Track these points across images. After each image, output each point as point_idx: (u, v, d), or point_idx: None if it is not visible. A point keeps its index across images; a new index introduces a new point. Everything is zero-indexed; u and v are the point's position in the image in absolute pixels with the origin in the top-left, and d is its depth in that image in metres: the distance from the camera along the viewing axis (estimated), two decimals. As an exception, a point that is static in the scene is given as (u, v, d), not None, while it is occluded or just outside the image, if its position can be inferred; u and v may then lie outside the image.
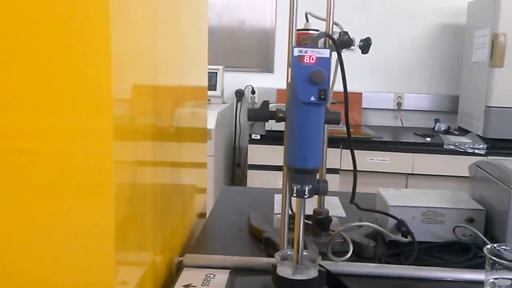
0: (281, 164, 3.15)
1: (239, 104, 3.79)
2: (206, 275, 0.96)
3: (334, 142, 2.92)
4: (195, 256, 1.03)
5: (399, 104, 3.61)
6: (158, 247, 0.92)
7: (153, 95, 0.88)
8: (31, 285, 0.67)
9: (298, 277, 0.79)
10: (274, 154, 3.00)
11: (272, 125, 3.06)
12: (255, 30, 3.74)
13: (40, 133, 0.64)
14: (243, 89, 3.76)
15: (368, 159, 2.93)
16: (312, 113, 0.76)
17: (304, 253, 0.81)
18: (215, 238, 1.21)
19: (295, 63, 0.75)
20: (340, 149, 2.89)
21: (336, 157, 2.88)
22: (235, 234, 1.23)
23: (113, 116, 0.64)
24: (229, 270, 0.99)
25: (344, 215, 1.31)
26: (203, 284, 0.92)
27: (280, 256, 0.82)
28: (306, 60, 0.74)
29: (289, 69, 0.78)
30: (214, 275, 0.96)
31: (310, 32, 1.16)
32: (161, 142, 0.95)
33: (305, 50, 0.75)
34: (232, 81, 3.73)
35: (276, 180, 2.97)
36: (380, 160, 2.96)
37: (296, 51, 0.75)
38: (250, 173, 3.08)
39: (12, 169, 0.64)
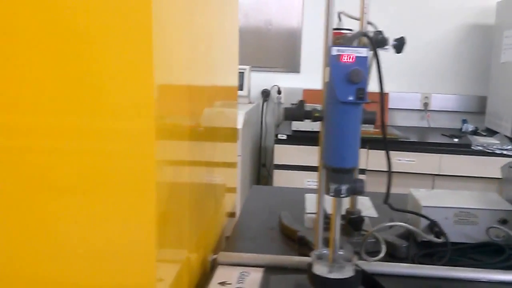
0: (307, 164, 3.14)
1: (265, 104, 3.79)
2: (240, 273, 0.97)
3: (360, 142, 2.90)
4: (229, 254, 1.04)
5: (426, 104, 3.58)
6: (193, 245, 0.93)
7: (190, 95, 0.89)
8: (73, 282, 0.69)
9: (334, 276, 0.79)
10: (300, 154, 3.00)
11: (298, 125, 3.07)
12: (282, 30, 3.74)
13: (83, 133, 0.65)
14: (269, 89, 3.77)
15: (395, 160, 2.91)
16: (350, 112, 0.76)
17: (340, 252, 0.82)
18: (247, 237, 1.22)
19: (333, 62, 0.75)
20: (366, 150, 2.88)
21: (362, 158, 2.87)
22: (266, 233, 1.24)
23: (155, 116, 0.66)
24: (262, 268, 1.00)
25: (375, 215, 1.31)
26: (238, 282, 0.93)
27: (316, 255, 0.83)
28: (344, 59, 0.75)
29: (326, 68, 0.78)
30: (248, 273, 0.97)
31: (343, 31, 1.17)
32: (197, 141, 0.97)
33: (343, 49, 0.75)
34: (258, 81, 3.74)
35: (302, 180, 2.97)
36: (407, 160, 2.94)
37: (334, 50, 0.75)
38: (276, 173, 3.09)
39: (54, 169, 0.66)
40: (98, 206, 0.66)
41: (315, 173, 3.19)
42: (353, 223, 1.09)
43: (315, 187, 3.02)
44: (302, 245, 1.05)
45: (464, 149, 2.91)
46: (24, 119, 0.64)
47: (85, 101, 0.64)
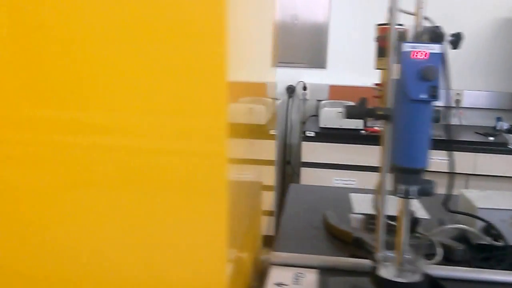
0: (336, 162, 3.07)
1: (290, 100, 3.76)
2: (294, 274, 0.95)
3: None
4: (282, 254, 1.02)
5: (457, 101, 3.51)
6: (246, 244, 0.92)
7: (247, 92, 0.87)
8: (145, 281, 0.67)
9: (403, 279, 0.76)
10: (329, 152, 2.96)
11: (327, 122, 3.03)
12: (308, 25, 3.70)
13: (157, 132, 0.64)
14: (295, 85, 3.73)
15: (426, 158, 2.85)
16: (421, 110, 0.73)
17: (407, 256, 0.79)
18: (292, 237, 1.19)
19: (405, 59, 0.72)
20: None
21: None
22: (311, 232, 1.22)
23: (227, 113, 0.64)
24: (315, 270, 0.97)
25: (427, 216, 1.27)
26: (295, 283, 0.91)
27: (382, 258, 0.80)
28: (418, 56, 0.72)
29: (395, 65, 0.75)
30: (303, 274, 0.95)
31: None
32: (249, 139, 0.95)
33: (416, 46, 0.72)
34: (283, 77, 3.71)
35: (331, 178, 2.94)
36: (440, 159, 2.87)
37: (406, 47, 0.73)
38: (304, 171, 3.05)
39: (127, 167, 0.64)
40: (171, 204, 0.65)
41: (344, 171, 3.14)
42: (407, 224, 1.05)
43: (345, 185, 2.96)
44: (357, 247, 1.02)
45: (500, 148, 2.84)
46: (102, 117, 0.63)
47: (160, 100, 0.63)
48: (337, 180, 2.95)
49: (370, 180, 2.99)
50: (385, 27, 1.16)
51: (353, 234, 1.05)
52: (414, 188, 0.74)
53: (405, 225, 0.78)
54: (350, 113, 0.84)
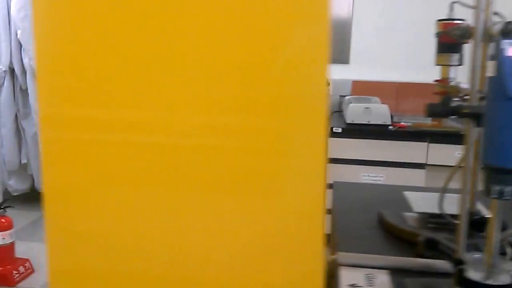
0: (363, 158, 3.02)
1: (313, 95, 3.73)
2: (365, 275, 0.93)
3: (419, 135, 2.83)
4: (351, 255, 1.00)
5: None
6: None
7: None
8: (243, 281, 0.66)
9: (494, 282, 0.74)
10: (356, 148, 2.93)
11: (354, 117, 2.99)
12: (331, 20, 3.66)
13: (258, 134, 0.62)
14: (318, 81, 3.70)
15: (456, 154, 2.82)
16: (520, 109, 0.71)
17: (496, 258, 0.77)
18: (351, 237, 1.17)
19: (503, 56, 0.70)
20: (426, 143, 2.79)
21: (422, 151, 2.80)
22: (369, 232, 1.20)
23: (327, 112, 0.62)
24: (385, 270, 0.95)
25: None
26: (369, 285, 0.89)
27: (469, 260, 0.78)
28: (517, 53, 0.70)
29: (491, 62, 0.73)
30: (374, 275, 0.93)
31: (455, 22, 1.11)
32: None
33: (516, 42, 0.70)
34: (306, 72, 3.68)
35: (358, 174, 2.91)
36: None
37: (505, 44, 0.70)
38: (330, 167, 3.02)
39: (227, 168, 0.63)
40: (269, 205, 0.63)
41: (372, 167, 3.08)
42: (476, 224, 1.03)
43: (373, 181, 2.90)
44: (429, 248, 0.99)
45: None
46: (203, 119, 0.61)
47: (261, 102, 0.61)
48: (364, 176, 2.93)
49: (398, 176, 2.96)
50: (448, 23, 1.14)
51: (423, 234, 1.03)
52: (509, 189, 0.72)
53: (497, 226, 0.76)
54: (433, 112, 0.82)
